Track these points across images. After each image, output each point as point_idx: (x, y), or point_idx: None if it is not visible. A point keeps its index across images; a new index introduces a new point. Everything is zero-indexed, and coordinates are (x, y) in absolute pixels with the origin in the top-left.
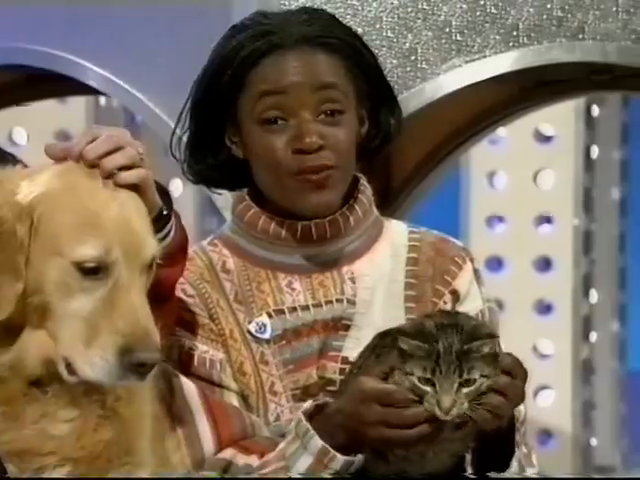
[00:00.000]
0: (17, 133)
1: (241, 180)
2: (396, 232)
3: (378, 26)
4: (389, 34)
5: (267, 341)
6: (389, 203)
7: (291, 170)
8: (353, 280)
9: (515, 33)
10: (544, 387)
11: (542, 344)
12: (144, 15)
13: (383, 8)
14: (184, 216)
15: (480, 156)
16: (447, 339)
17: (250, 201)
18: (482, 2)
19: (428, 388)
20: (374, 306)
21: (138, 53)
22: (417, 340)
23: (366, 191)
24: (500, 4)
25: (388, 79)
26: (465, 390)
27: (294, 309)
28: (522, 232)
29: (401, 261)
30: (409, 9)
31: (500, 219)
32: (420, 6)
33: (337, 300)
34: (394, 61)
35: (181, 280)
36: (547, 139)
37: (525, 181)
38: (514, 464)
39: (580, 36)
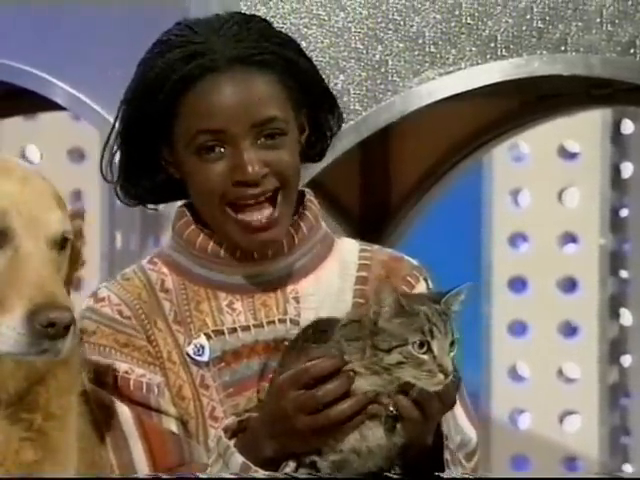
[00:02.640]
0: (30, 151)
1: (180, 194)
2: (346, 250)
3: (346, 37)
4: (358, 45)
5: (206, 364)
6: (388, 220)
7: (230, 199)
8: (297, 300)
9: (493, 45)
10: (570, 412)
11: (568, 367)
12: (99, 25)
13: (351, 18)
14: None
15: (503, 173)
16: (422, 303)
17: (190, 217)
18: (457, 12)
19: (425, 356)
20: None
21: (95, 65)
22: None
23: (312, 207)
24: (477, 15)
25: (357, 92)
26: (451, 354)
27: (234, 330)
28: (546, 251)
29: (350, 280)
30: (379, 19)
31: (524, 238)
32: (391, 16)
33: (280, 320)
34: (363, 74)
35: (117, 301)
36: (572, 156)
37: (550, 199)
38: None
39: (562, 48)
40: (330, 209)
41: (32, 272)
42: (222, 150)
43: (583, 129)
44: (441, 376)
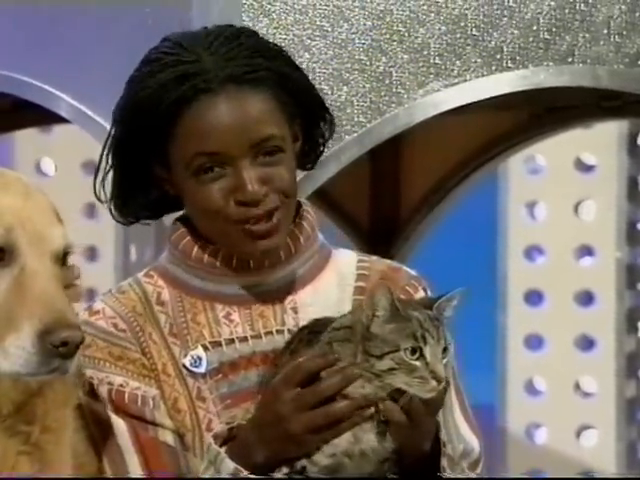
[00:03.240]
0: (45, 163)
1: (175, 207)
2: (344, 261)
3: (350, 48)
4: (362, 57)
5: (203, 375)
6: (398, 233)
7: (233, 220)
8: (295, 310)
9: (499, 56)
10: (587, 427)
11: (585, 381)
12: (101, 36)
13: (355, 30)
14: None
15: (519, 185)
16: (414, 309)
17: (185, 229)
18: (462, 24)
19: (418, 362)
20: None
21: (97, 77)
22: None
23: (308, 216)
24: (482, 26)
25: (361, 104)
26: (444, 360)
27: (231, 341)
28: (563, 264)
29: (348, 290)
30: (383, 31)
31: (540, 251)
32: (395, 28)
33: (277, 331)
34: (367, 85)
35: (112, 314)
36: (589, 168)
37: (566, 211)
38: None
39: (569, 59)
40: (339, 221)
41: (40, 290)
42: (221, 170)
43: (599, 141)
44: (434, 383)
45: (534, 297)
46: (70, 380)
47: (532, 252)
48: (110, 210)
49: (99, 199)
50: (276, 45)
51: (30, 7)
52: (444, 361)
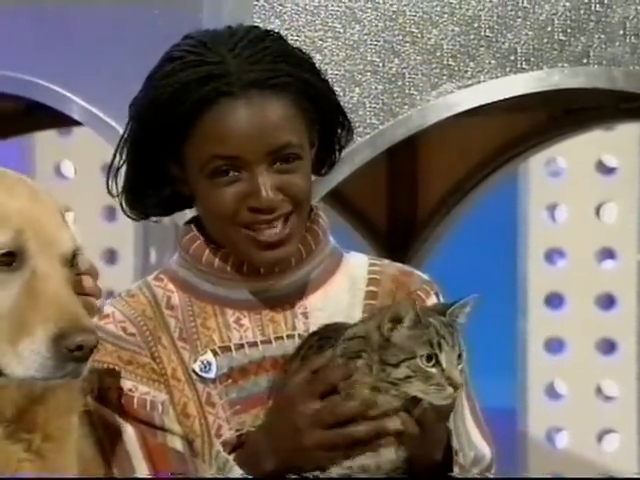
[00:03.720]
0: (65, 166)
1: (186, 205)
2: (355, 265)
3: (362, 50)
4: (374, 58)
5: (213, 380)
6: (416, 235)
7: (243, 225)
8: (306, 315)
9: (512, 58)
10: (609, 431)
11: (606, 385)
12: (111, 37)
13: (367, 31)
14: None
15: (540, 188)
16: (428, 315)
17: (197, 231)
18: (476, 25)
19: (434, 369)
20: None
21: (109, 79)
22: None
23: (319, 221)
24: (496, 27)
25: (373, 106)
26: (459, 367)
27: (241, 346)
28: (584, 267)
29: (359, 295)
30: (396, 32)
31: (561, 254)
32: (408, 29)
33: (288, 336)
34: (379, 87)
35: (121, 318)
36: (610, 170)
37: (587, 214)
38: None
39: (584, 61)
40: (356, 223)
41: (53, 294)
42: (236, 174)
43: (621, 143)
44: (450, 389)
45: (555, 300)
46: (76, 386)
47: (553, 255)
48: (121, 204)
49: (110, 192)
50: (300, 50)
51: (40, 8)
52: (459, 367)
